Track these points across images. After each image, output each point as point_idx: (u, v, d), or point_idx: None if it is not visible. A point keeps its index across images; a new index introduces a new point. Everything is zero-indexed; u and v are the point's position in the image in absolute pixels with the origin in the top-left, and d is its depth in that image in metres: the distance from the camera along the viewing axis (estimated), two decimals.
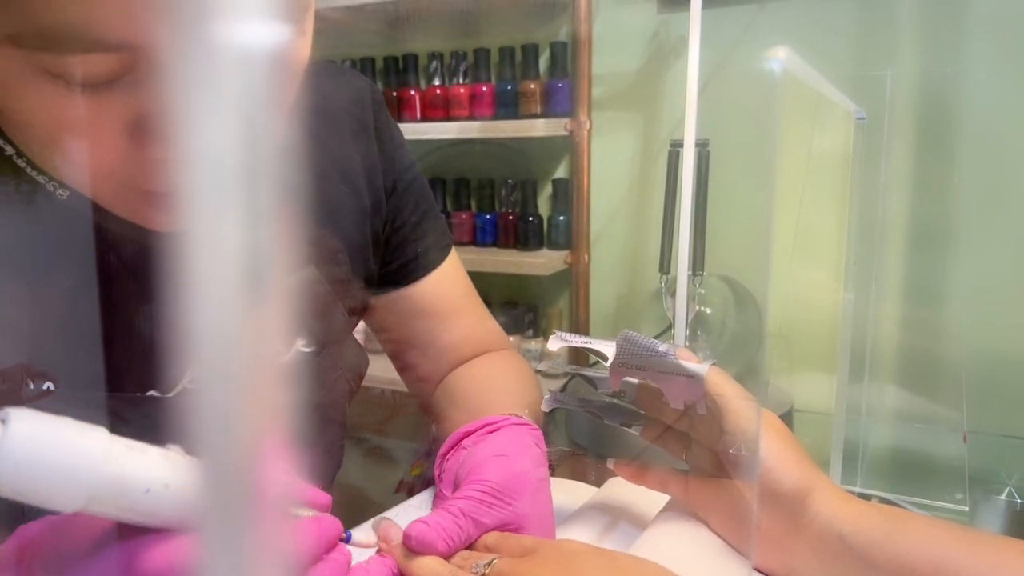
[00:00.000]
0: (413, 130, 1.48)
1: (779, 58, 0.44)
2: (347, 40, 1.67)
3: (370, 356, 0.68)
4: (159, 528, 0.32)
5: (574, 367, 0.63)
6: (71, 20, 0.32)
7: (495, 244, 1.56)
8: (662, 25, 1.37)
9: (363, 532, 0.44)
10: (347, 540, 0.41)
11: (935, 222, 1.20)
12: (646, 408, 0.54)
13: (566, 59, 1.42)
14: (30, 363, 0.43)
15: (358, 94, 0.61)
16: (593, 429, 1.07)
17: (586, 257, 1.46)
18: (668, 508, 0.53)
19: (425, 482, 0.63)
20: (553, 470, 0.69)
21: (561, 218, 1.49)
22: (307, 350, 0.57)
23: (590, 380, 0.54)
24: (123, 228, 0.43)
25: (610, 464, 0.54)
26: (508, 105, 1.46)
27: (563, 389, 1.22)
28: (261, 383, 0.12)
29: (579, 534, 0.53)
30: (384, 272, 0.65)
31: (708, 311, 1.22)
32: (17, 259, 0.44)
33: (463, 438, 0.54)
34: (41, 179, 0.44)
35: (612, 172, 1.46)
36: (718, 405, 0.47)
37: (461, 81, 1.51)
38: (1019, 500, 0.78)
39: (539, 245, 1.52)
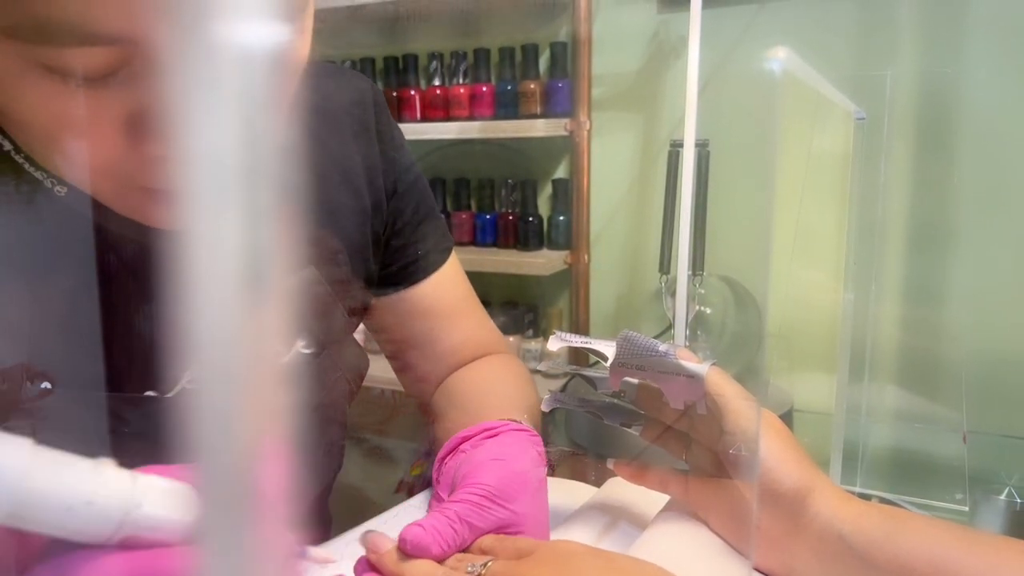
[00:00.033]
0: (413, 130, 1.48)
1: (779, 58, 0.44)
2: (347, 40, 1.67)
3: (370, 356, 0.68)
4: (91, 544, 0.30)
5: (574, 367, 0.63)
6: (67, 13, 0.32)
7: (495, 244, 1.56)
8: (662, 25, 1.37)
9: (325, 549, 0.43)
10: (303, 556, 0.40)
11: (935, 222, 1.20)
12: (646, 408, 0.53)
13: (566, 59, 1.42)
14: (29, 363, 0.43)
15: (359, 95, 0.61)
16: (593, 429, 1.07)
17: (586, 257, 1.46)
18: (668, 508, 0.53)
19: (425, 482, 0.63)
20: (553, 470, 0.69)
21: (561, 218, 1.49)
22: (307, 351, 0.56)
23: (590, 380, 0.54)
24: (122, 225, 0.43)
25: (610, 464, 0.54)
26: (508, 105, 1.46)
27: (563, 389, 1.22)
28: (261, 384, 0.12)
29: (579, 534, 0.53)
30: (384, 274, 0.65)
31: (708, 311, 1.22)
32: (15, 256, 0.43)
33: (461, 442, 0.54)
34: (39, 175, 0.43)
35: (612, 172, 1.46)
36: (718, 405, 0.47)
37: (461, 81, 1.50)
38: (1019, 500, 0.78)
39: (539, 245, 1.52)
